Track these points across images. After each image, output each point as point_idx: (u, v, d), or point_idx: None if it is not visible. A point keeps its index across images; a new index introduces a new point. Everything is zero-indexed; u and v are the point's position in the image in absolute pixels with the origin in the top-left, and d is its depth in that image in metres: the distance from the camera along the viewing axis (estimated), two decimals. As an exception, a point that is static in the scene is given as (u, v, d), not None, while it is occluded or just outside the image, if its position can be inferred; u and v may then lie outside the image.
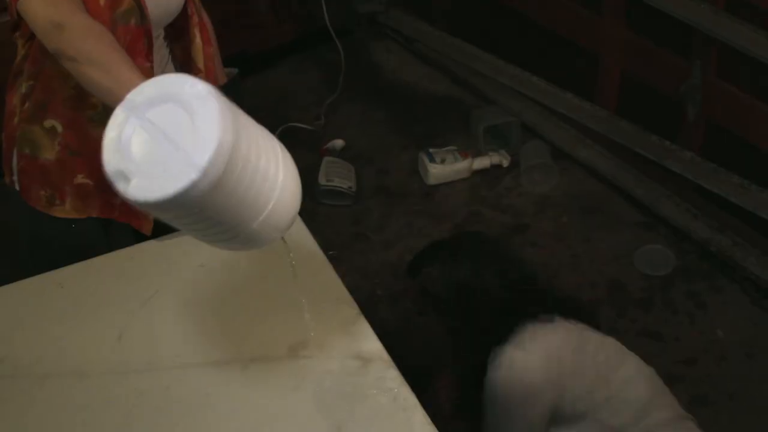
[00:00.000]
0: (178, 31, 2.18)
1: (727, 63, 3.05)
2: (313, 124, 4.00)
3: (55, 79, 2.06)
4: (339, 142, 3.82)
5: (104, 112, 2.08)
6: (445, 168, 3.67)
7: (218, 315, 2.01)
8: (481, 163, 3.73)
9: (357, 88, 4.17)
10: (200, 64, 2.20)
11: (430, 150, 3.71)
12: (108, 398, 1.84)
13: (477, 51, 4.03)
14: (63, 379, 1.85)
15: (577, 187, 3.63)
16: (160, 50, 2.17)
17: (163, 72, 2.19)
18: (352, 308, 2.00)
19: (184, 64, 2.22)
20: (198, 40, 2.18)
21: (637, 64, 3.38)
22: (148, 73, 2.08)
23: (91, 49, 1.79)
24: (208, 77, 2.20)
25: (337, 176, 3.62)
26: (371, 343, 1.93)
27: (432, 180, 3.68)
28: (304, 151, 3.85)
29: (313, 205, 3.57)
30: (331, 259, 2.15)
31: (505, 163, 3.73)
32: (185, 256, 2.15)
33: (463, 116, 3.96)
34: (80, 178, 2.14)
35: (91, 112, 2.08)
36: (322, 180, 3.60)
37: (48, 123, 2.10)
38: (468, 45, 4.07)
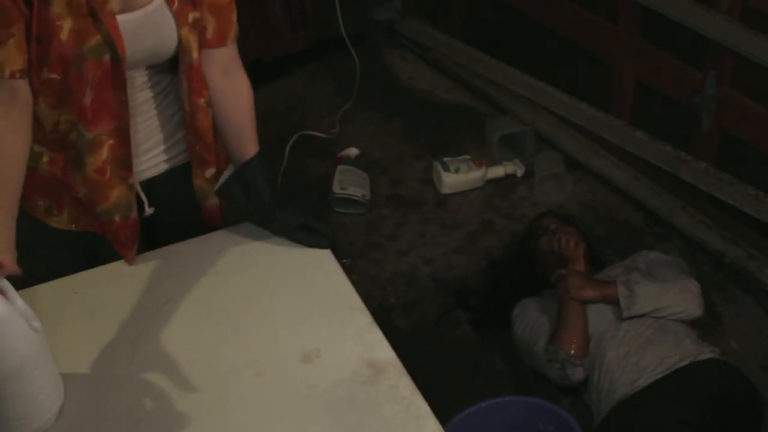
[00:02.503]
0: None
1: (742, 73, 3.04)
2: (328, 132, 4.01)
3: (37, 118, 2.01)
4: (353, 150, 3.83)
5: (79, 156, 2.05)
6: (459, 177, 3.67)
7: (231, 322, 2.01)
8: (495, 172, 3.73)
9: (372, 96, 4.18)
10: (186, 108, 2.10)
11: (445, 159, 3.71)
12: (121, 404, 1.84)
13: (492, 60, 4.03)
14: (75, 384, 1.86)
15: (590, 197, 3.63)
16: (159, 84, 2.11)
17: (160, 104, 2.13)
18: (365, 316, 2.01)
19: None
20: (184, 86, 2.07)
21: (652, 74, 3.38)
22: (124, 107, 2.02)
23: None
24: (194, 125, 2.12)
25: (351, 184, 3.63)
26: (384, 352, 1.93)
27: (446, 189, 3.68)
28: (319, 159, 3.86)
29: (327, 214, 3.58)
30: (345, 268, 2.15)
31: (520, 173, 3.73)
32: (199, 263, 2.15)
33: (478, 125, 3.96)
34: (80, 193, 2.12)
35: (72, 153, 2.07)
36: (336, 188, 3.61)
37: (37, 147, 2.06)
38: (483, 54, 4.08)
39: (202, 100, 2.10)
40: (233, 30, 2.10)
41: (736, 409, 2.54)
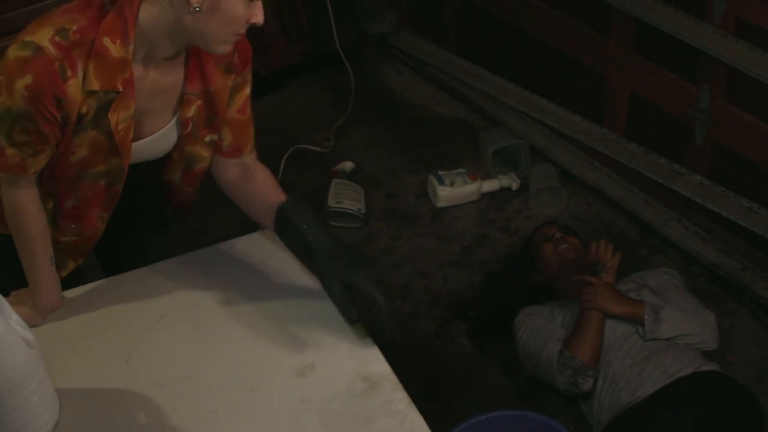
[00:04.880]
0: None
1: (735, 86, 3.05)
2: (323, 146, 4.01)
3: None
4: (348, 164, 3.83)
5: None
6: (454, 190, 3.67)
7: (226, 337, 2.01)
8: (490, 185, 3.73)
9: (366, 109, 4.18)
10: (172, 183, 2.20)
11: (440, 172, 3.72)
12: (115, 419, 1.84)
13: (486, 73, 4.04)
14: (71, 399, 1.86)
15: (585, 210, 3.63)
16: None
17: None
18: (360, 330, 2.01)
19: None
20: (177, 176, 2.16)
21: (645, 87, 3.39)
22: (101, 221, 2.12)
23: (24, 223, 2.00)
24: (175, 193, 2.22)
25: (347, 198, 3.63)
26: (379, 365, 1.93)
27: (441, 202, 3.68)
28: (314, 173, 3.86)
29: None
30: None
31: (514, 186, 3.73)
32: (193, 279, 2.15)
33: (472, 138, 3.96)
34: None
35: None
36: (331, 202, 3.61)
37: None
38: (477, 67, 4.08)
39: (191, 189, 2.21)
40: (250, 144, 2.15)
41: (737, 421, 2.54)
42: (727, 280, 3.23)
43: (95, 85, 1.84)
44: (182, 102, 2.01)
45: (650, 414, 2.52)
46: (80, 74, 1.82)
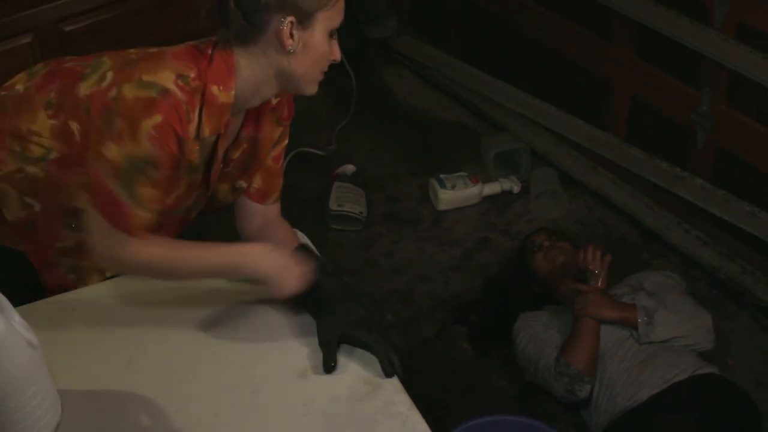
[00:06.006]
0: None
1: (737, 90, 3.06)
2: (324, 149, 4.01)
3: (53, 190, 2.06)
4: (350, 167, 3.83)
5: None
6: (455, 194, 3.67)
7: (228, 339, 2.02)
8: (492, 189, 3.73)
9: (368, 113, 4.18)
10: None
11: (441, 175, 3.72)
12: (117, 421, 1.85)
13: (488, 77, 4.04)
14: (73, 401, 1.86)
15: (587, 214, 3.63)
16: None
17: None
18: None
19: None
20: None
21: (647, 91, 3.39)
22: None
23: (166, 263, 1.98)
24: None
25: (348, 201, 3.63)
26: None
27: (442, 206, 3.68)
28: (315, 176, 3.86)
29: (324, 231, 3.58)
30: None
31: (516, 190, 3.73)
32: (196, 281, 2.15)
33: (474, 142, 3.96)
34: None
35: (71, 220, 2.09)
36: (332, 205, 3.61)
37: (28, 199, 2.07)
38: (479, 71, 4.08)
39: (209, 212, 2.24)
40: (276, 194, 2.21)
41: (734, 425, 2.54)
42: (727, 283, 3.23)
43: (206, 132, 1.88)
44: (234, 144, 2.06)
45: (648, 417, 2.53)
46: (196, 120, 1.85)
